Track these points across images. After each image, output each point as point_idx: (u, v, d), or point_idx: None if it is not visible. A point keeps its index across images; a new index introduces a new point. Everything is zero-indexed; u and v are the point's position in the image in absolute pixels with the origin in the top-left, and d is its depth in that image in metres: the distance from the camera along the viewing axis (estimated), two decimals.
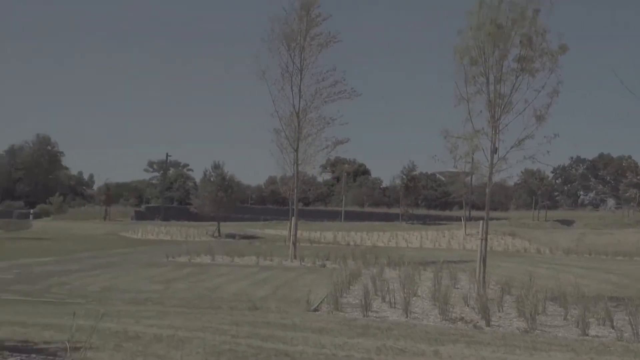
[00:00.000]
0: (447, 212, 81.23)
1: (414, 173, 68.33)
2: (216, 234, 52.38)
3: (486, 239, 15.97)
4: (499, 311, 12.39)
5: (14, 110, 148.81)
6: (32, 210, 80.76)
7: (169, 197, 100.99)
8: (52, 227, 61.58)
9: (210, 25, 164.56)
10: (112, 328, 9.09)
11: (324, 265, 23.35)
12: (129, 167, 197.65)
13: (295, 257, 25.78)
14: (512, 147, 15.39)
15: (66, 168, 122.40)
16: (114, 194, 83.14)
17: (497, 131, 15.50)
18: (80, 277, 18.18)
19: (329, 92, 26.66)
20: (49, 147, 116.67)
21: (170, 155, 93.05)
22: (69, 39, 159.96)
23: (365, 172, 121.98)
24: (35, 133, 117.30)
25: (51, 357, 6.98)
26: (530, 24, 15.17)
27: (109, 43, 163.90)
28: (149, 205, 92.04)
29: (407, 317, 11.55)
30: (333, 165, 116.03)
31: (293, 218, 28.23)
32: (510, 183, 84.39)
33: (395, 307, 12.63)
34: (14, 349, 7.27)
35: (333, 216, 74.18)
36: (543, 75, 15.21)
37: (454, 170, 45.48)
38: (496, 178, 16.71)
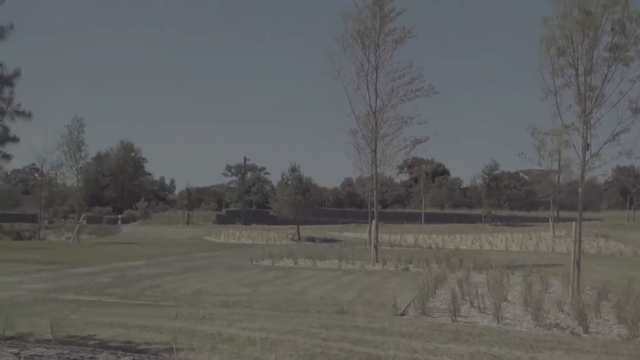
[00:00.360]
0: (533, 213, 79.03)
1: (496, 172, 66.95)
2: (296, 237, 52.88)
3: (580, 241, 15.37)
4: (596, 317, 11.95)
5: (99, 117, 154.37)
6: (119, 216, 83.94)
7: (247, 200, 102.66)
8: (139, 231, 63.65)
9: (284, 25, 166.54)
10: (206, 330, 9.35)
11: (407, 269, 23.19)
12: (208, 172, 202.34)
13: (377, 261, 25.67)
14: (605, 143, 14.69)
15: (149, 174, 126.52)
16: (195, 199, 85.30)
17: (589, 126, 14.79)
18: (171, 280, 18.74)
19: (406, 90, 26.30)
20: (133, 154, 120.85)
21: (248, 159, 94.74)
22: (145, 47, 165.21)
23: (444, 172, 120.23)
24: (119, 140, 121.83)
25: (153, 357, 7.23)
26: (622, 9, 14.35)
27: (183, 49, 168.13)
28: (229, 209, 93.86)
29: (498, 322, 11.33)
30: (410, 166, 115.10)
31: (374, 221, 28.12)
32: (601, 181, 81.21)
33: (485, 312, 12.41)
34: (119, 349, 7.60)
35: (412, 218, 73.64)
36: (638, 64, 14.52)
37: (540, 168, 44.06)
38: (588, 176, 16.01)
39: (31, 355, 3.88)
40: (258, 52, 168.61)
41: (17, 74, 8.67)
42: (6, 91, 8.62)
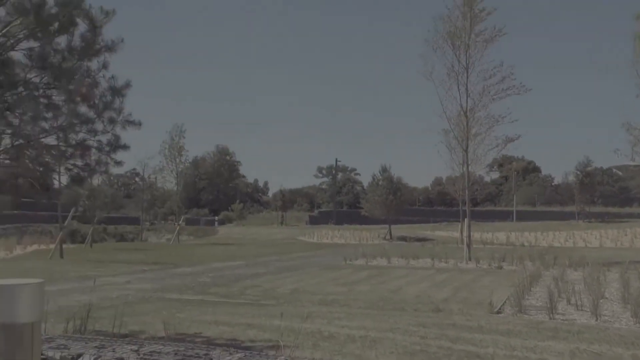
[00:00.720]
0: (627, 209, 75.78)
1: (589, 168, 64.63)
2: (388, 236, 52.85)
3: None
4: None
5: (195, 123, 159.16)
6: (216, 218, 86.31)
7: (338, 201, 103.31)
8: (235, 232, 65.17)
9: (374, 27, 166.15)
10: (307, 328, 9.55)
11: (501, 267, 22.82)
12: (299, 174, 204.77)
13: (470, 259, 25.39)
14: None
15: (243, 177, 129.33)
16: (288, 200, 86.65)
17: None
18: (269, 279, 19.20)
19: (497, 89, 26.08)
20: (228, 157, 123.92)
21: (339, 161, 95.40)
22: (235, 58, 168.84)
23: (535, 169, 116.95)
24: (215, 144, 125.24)
25: (263, 354, 7.51)
26: None
27: (274, 56, 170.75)
28: (321, 209, 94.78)
29: (596, 320, 11.03)
30: (501, 164, 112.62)
31: (466, 219, 27.84)
32: None
33: (582, 310, 12.10)
34: (225, 347, 7.93)
35: (503, 216, 72.11)
36: None
37: (634, 164, 42.28)
38: None
39: (150, 352, 4.15)
40: (349, 55, 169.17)
41: (127, 85, 9.08)
42: (117, 101, 9.04)
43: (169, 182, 63.23)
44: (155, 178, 65.68)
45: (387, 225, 54.27)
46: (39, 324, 2.68)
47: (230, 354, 4.22)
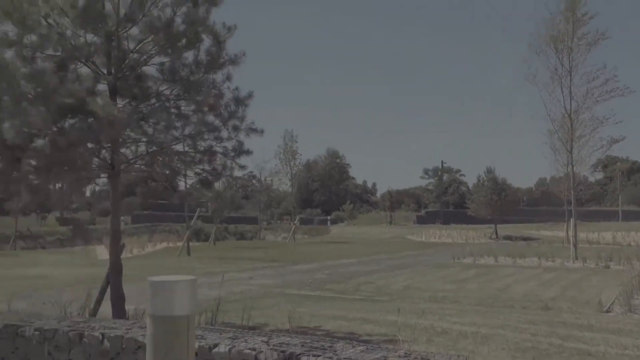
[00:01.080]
0: None
1: None
2: (493, 236, 51.54)
3: None
4: None
5: (306, 127, 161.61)
6: (328, 217, 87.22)
7: (444, 201, 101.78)
8: (346, 231, 65.53)
9: (476, 31, 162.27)
10: (420, 324, 9.56)
11: (608, 267, 21.79)
12: (406, 175, 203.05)
13: (576, 258, 24.40)
14: None
15: (353, 178, 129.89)
16: (395, 201, 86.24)
17: None
18: (381, 276, 19.27)
19: (601, 92, 25.00)
20: (338, 160, 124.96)
21: (445, 163, 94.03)
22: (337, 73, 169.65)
23: None
24: (326, 148, 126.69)
25: (383, 347, 7.65)
26: None
27: (384, 63, 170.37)
28: (428, 209, 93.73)
29: None
30: (605, 165, 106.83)
31: (572, 219, 26.81)
32: None
33: None
34: (347, 340, 8.10)
35: (609, 216, 68.44)
36: None
37: None
38: None
39: (279, 343, 4.38)
40: (451, 59, 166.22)
41: (250, 95, 9.41)
42: (240, 110, 9.39)
43: (284, 184, 64.64)
44: (271, 180, 67.34)
45: (492, 225, 52.95)
46: (194, 317, 2.78)
47: (353, 346, 4.36)
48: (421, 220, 77.83)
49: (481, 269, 21.60)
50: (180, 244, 35.19)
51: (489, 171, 53.36)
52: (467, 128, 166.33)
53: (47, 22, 7.61)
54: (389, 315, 10.28)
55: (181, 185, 13.47)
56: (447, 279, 18.26)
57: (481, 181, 54.68)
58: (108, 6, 8.23)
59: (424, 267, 23.11)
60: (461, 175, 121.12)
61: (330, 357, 3.99)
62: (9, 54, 7.46)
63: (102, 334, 4.83)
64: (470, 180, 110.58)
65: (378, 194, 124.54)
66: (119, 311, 8.67)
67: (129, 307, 8.98)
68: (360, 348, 4.42)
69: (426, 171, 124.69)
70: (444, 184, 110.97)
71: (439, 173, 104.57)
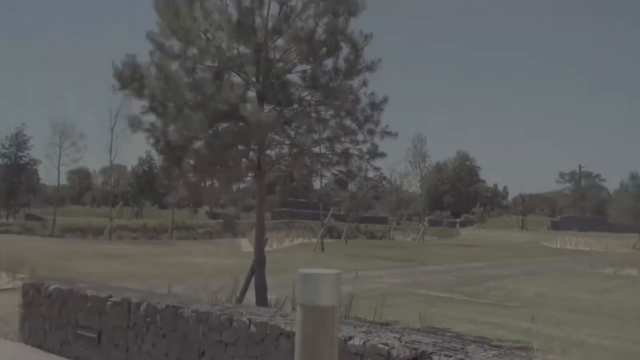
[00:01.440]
0: None
1: None
2: (638, 245, 48.08)
3: None
4: None
5: (438, 130, 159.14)
6: (458, 220, 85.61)
7: (582, 207, 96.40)
8: (476, 235, 63.92)
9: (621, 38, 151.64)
10: (554, 333, 9.34)
11: None
12: (540, 179, 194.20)
13: None
14: None
15: (483, 181, 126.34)
16: (528, 205, 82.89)
17: None
18: (513, 282, 18.68)
19: None
20: (468, 163, 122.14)
21: (583, 167, 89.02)
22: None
23: None
24: (456, 150, 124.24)
25: (517, 353, 7.57)
26: None
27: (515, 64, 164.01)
28: (564, 215, 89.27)
29: None
30: None
31: None
32: None
33: None
34: (479, 343, 8.06)
35: None
36: None
37: None
38: None
39: (411, 340, 4.49)
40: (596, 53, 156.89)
41: (385, 100, 9.66)
42: (375, 115, 9.64)
43: (413, 186, 64.33)
44: (401, 182, 67.25)
45: (636, 234, 49.39)
46: (338, 308, 2.88)
47: (485, 350, 4.40)
48: (556, 226, 74.21)
49: (624, 280, 20.35)
50: (314, 240, 36.09)
51: (633, 177, 49.96)
52: (609, 130, 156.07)
53: (205, 36, 8.33)
54: (520, 321, 10.10)
55: (316, 185, 13.99)
56: (585, 289, 17.39)
57: (624, 187, 51.32)
58: (258, 20, 8.82)
59: (559, 274, 22.13)
60: (601, 180, 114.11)
61: (462, 359, 4.07)
62: (174, 66, 8.26)
63: (249, 320, 5.17)
64: (611, 185, 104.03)
65: (509, 198, 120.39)
66: (261, 300, 9.27)
67: (270, 296, 9.55)
68: (492, 352, 4.43)
69: (562, 175, 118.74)
70: (582, 189, 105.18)
71: (577, 177, 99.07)
